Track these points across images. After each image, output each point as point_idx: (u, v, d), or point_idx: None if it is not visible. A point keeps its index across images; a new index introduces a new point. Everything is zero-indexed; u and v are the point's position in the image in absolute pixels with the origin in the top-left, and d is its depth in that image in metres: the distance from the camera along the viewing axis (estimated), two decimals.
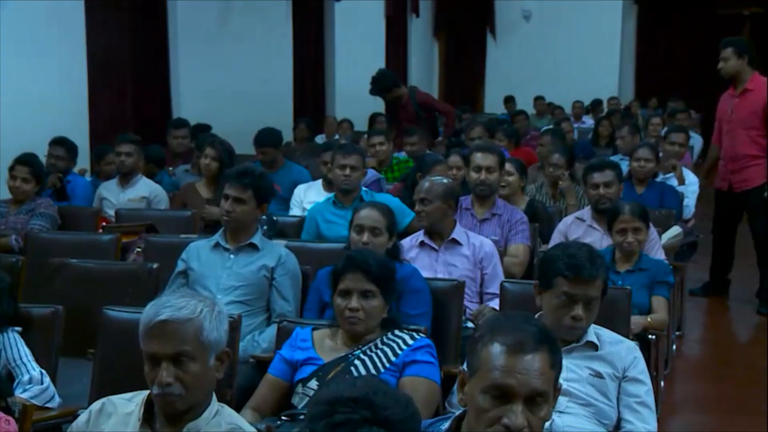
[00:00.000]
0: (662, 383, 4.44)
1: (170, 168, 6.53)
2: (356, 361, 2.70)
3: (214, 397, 2.10)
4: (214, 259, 3.64)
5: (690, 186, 6.28)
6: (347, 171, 4.69)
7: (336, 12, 10.90)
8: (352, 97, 10.94)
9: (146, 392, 2.07)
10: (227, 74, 8.60)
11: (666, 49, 14.85)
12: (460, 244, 4.02)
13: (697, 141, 9.16)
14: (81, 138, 6.47)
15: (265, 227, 4.31)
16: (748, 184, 5.90)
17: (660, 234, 4.59)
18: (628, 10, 14.51)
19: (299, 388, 2.70)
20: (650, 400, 2.61)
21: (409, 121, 7.69)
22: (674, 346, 5.23)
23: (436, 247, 4.04)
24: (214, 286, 3.56)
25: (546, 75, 13.86)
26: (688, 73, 14.45)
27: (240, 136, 7.07)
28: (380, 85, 7.94)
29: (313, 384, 2.67)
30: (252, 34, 9.01)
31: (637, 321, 3.69)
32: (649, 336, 3.78)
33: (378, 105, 9.01)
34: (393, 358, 2.69)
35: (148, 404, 2.06)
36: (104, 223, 5.12)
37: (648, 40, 14.85)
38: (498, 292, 3.65)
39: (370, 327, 2.74)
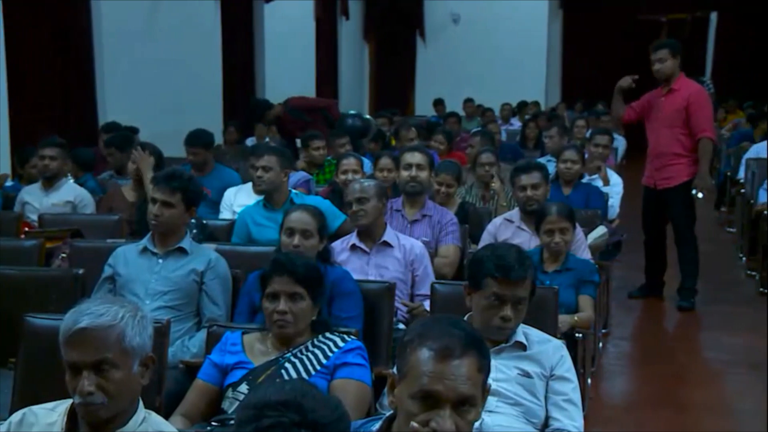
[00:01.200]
0: (589, 380, 4.53)
1: (110, 172, 6.39)
2: (287, 365, 2.68)
3: (141, 403, 2.06)
4: (141, 263, 3.58)
5: (614, 187, 6.42)
6: (259, 172, 4.69)
7: (265, 13, 10.83)
8: (283, 99, 10.90)
9: (69, 401, 2.02)
10: (155, 75, 8.46)
11: (590, 52, 15.20)
12: (391, 246, 4.04)
13: (620, 143, 9.38)
14: (1, 142, 6.29)
15: (194, 231, 4.25)
16: (671, 181, 5.98)
17: (586, 234, 4.68)
18: (554, 15, 14.79)
19: (229, 393, 2.68)
20: (577, 397, 2.66)
21: (301, 129, 7.77)
22: (601, 344, 5.34)
23: (367, 250, 4.05)
24: (142, 292, 3.50)
25: (475, 77, 14.02)
26: (612, 75, 14.80)
27: (168, 139, 6.96)
28: (255, 112, 8.12)
29: (244, 388, 2.65)
30: (180, 35, 8.89)
31: (564, 320, 3.75)
32: (576, 334, 3.85)
33: None
34: (324, 361, 2.69)
35: (72, 414, 2.01)
36: (27, 229, 4.98)
37: (573, 43, 15.17)
38: (429, 293, 3.68)
39: (299, 329, 2.74)
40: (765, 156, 7.66)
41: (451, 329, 1.79)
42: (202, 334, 3.29)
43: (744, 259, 7.47)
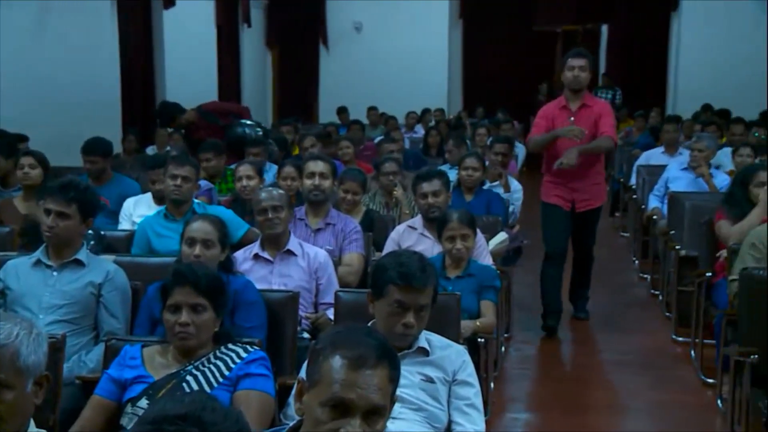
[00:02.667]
0: (492, 384, 4.62)
1: None
2: (188, 377, 2.64)
3: (32, 423, 1.98)
4: (35, 277, 3.46)
5: (515, 193, 6.56)
6: (179, 181, 4.59)
7: (165, 20, 10.62)
8: (185, 106, 10.70)
9: None
10: (47, 81, 8.16)
11: (490, 61, 15.54)
12: (295, 255, 4.03)
13: (521, 150, 9.60)
14: None
15: (91, 242, 4.14)
16: (593, 203, 5.73)
17: (487, 240, 4.77)
18: (454, 25, 15.03)
19: (128, 408, 2.61)
20: (478, 401, 2.71)
21: (216, 134, 7.68)
22: (503, 348, 5.45)
23: (271, 259, 4.03)
24: (35, 306, 3.38)
25: (379, 85, 14.11)
26: (511, 84, 15.18)
27: (62, 148, 6.74)
28: (165, 116, 7.98)
29: (143, 403, 2.59)
30: (74, 39, 8.61)
31: (466, 325, 3.80)
32: (479, 339, 3.91)
33: None
34: (226, 372, 2.65)
35: None
36: None
37: (473, 52, 15.46)
38: (333, 301, 3.68)
39: (201, 341, 2.69)
40: (654, 163, 7.98)
41: (366, 338, 1.80)
42: (100, 349, 3.21)
43: (637, 262, 7.74)
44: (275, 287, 3.87)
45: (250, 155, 6.87)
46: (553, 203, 5.73)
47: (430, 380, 2.66)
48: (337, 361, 1.75)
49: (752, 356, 3.68)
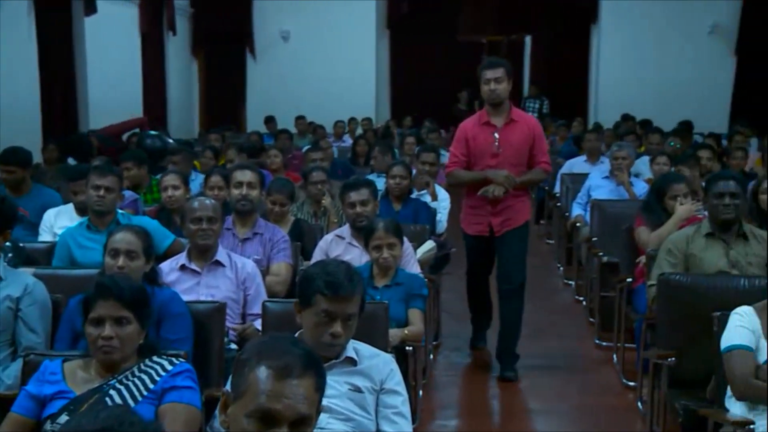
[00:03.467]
0: (420, 392, 4.65)
1: None
2: (111, 392, 2.58)
3: None
4: None
5: (442, 202, 6.62)
6: (102, 192, 4.49)
7: (87, 27, 10.40)
8: (108, 115, 10.50)
9: None
10: None
11: (417, 71, 15.67)
12: (222, 265, 4.00)
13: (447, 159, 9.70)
14: None
15: (9, 255, 4.03)
16: (513, 223, 5.12)
17: (415, 248, 4.81)
18: (381, 34, 15.12)
19: (48, 425, 2.54)
20: (406, 410, 2.72)
21: (117, 153, 7.70)
22: (432, 356, 5.49)
23: (199, 270, 3.98)
24: None
25: (307, 94, 14.09)
26: (437, 93, 15.35)
27: None
28: (79, 153, 7.98)
29: (63, 419, 2.52)
30: None
31: (394, 334, 3.83)
32: (407, 347, 3.94)
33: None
34: (151, 386, 2.60)
35: None
36: None
37: (401, 62, 15.58)
38: (261, 312, 3.66)
39: (125, 355, 2.64)
40: (577, 171, 8.16)
41: (291, 348, 1.80)
42: (18, 364, 3.12)
43: (561, 269, 7.90)
44: (203, 298, 3.82)
45: (170, 164, 6.80)
46: (472, 234, 5.20)
47: (357, 390, 2.67)
48: (262, 372, 1.74)
49: (669, 359, 3.79)
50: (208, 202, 4.12)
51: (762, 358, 3.13)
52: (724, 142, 9.68)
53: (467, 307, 5.95)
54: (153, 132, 8.40)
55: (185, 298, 3.50)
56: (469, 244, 5.32)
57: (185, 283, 3.92)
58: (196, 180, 6.70)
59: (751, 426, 3.00)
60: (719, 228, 4.34)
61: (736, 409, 3.15)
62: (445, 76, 15.68)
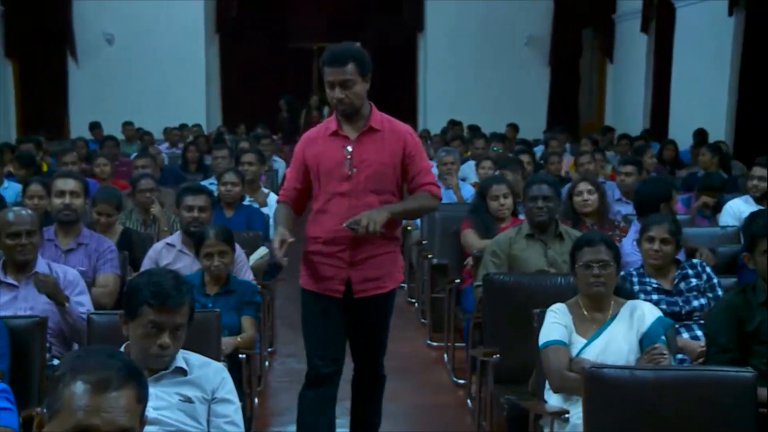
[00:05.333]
0: (256, 399, 4.62)
1: None
2: None
3: None
4: None
5: (272, 206, 6.61)
6: None
7: None
8: None
9: None
10: None
11: (248, 77, 15.51)
12: None
13: (281, 165, 9.69)
14: None
15: None
16: (382, 285, 3.60)
17: (248, 255, 4.77)
18: (211, 39, 14.88)
19: None
20: (239, 418, 2.70)
21: None
22: (267, 363, 5.46)
23: (16, 284, 3.79)
24: None
25: (134, 100, 13.66)
26: (270, 100, 15.28)
27: None
28: None
29: None
30: None
31: (227, 342, 3.78)
32: (240, 355, 3.90)
33: None
34: None
35: None
36: None
37: (232, 68, 15.38)
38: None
39: None
40: None
41: (108, 360, 1.75)
42: None
43: None
44: (21, 313, 3.63)
45: None
46: (314, 291, 3.63)
47: (188, 400, 2.62)
48: (78, 387, 1.69)
49: (494, 356, 3.97)
50: (24, 213, 3.89)
51: (575, 352, 3.33)
52: (539, 148, 10.19)
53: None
54: None
55: (3, 312, 3.32)
56: (309, 309, 3.69)
57: (1, 298, 3.71)
58: (10, 188, 6.35)
59: (567, 415, 3.18)
60: (537, 229, 4.59)
61: (553, 400, 3.33)
62: (277, 83, 15.63)
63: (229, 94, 15.36)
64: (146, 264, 4.52)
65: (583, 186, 5.32)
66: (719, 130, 10.20)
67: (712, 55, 10.63)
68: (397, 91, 15.39)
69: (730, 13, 10.14)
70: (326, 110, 13.49)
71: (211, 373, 2.70)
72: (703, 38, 10.90)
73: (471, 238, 5.23)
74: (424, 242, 6.43)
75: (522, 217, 5.07)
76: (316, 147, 3.61)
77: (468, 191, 7.08)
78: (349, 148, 3.54)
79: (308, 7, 15.60)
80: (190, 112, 13.69)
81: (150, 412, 1.84)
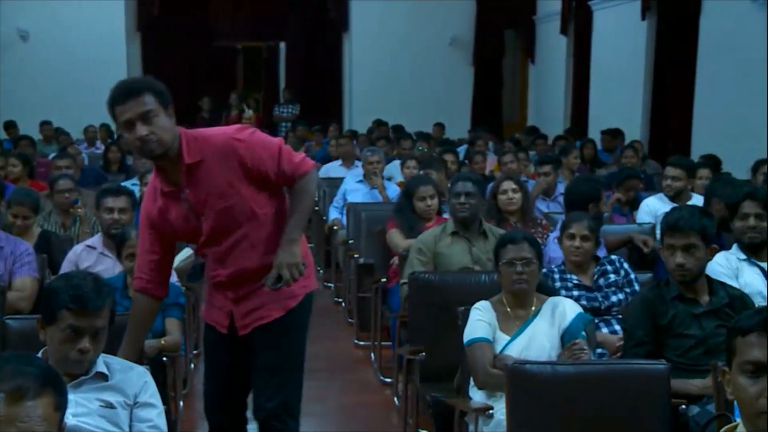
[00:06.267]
0: (181, 402, 4.56)
1: None
2: None
3: None
4: None
5: None
6: None
7: None
8: None
9: None
10: None
11: (172, 76, 15.17)
12: None
13: None
14: None
15: None
16: (265, 314, 3.11)
17: None
18: (132, 38, 14.58)
19: None
20: (162, 422, 2.66)
21: None
22: (192, 365, 5.39)
23: None
24: None
25: (53, 99, 13.29)
26: (194, 100, 15.05)
27: None
28: None
29: None
30: None
31: (151, 344, 3.73)
32: (164, 358, 3.85)
33: None
34: None
35: None
36: None
37: (154, 66, 15.04)
38: None
39: None
40: (334, 176, 8.37)
41: (24, 367, 1.70)
42: None
43: (321, 271, 8.05)
44: None
45: None
46: (209, 322, 3.27)
47: (109, 406, 2.57)
48: None
49: (420, 354, 4.00)
50: None
51: (499, 349, 3.39)
52: (462, 148, 10.30)
53: None
54: None
55: None
56: (205, 339, 3.37)
57: None
58: None
59: (491, 411, 3.23)
60: (461, 227, 4.65)
61: (478, 397, 3.38)
62: (202, 82, 15.41)
63: None
64: (66, 267, 4.42)
65: (507, 185, 5.40)
66: (635, 130, 10.49)
67: (628, 57, 10.93)
68: (323, 92, 15.39)
69: (643, 17, 10.44)
70: (249, 111, 13.39)
71: (133, 377, 2.66)
72: (619, 41, 11.20)
73: (396, 237, 5.26)
74: (350, 242, 6.43)
75: (446, 215, 5.13)
76: (158, 209, 3.05)
77: (393, 190, 7.11)
78: (186, 196, 2.98)
79: (231, 6, 15.42)
80: None
81: (69, 420, 1.80)
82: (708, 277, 3.49)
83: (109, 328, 2.64)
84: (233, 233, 3.03)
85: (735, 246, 4.14)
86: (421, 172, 6.55)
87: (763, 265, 4.03)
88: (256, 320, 3.10)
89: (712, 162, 7.17)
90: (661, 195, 5.98)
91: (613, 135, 10.33)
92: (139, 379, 2.66)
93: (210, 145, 2.97)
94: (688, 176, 5.89)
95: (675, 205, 5.28)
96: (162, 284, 3.16)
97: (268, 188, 3.04)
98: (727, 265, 3.99)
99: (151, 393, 2.66)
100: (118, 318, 2.76)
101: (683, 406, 3.09)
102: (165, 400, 2.83)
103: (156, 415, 2.64)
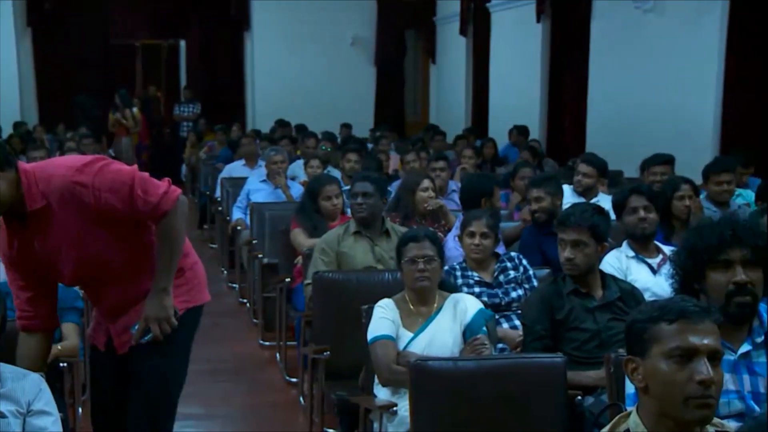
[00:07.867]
0: (80, 409, 4.43)
1: None
2: None
3: None
4: None
5: None
6: None
7: None
8: None
9: None
10: None
11: (67, 74, 14.67)
12: None
13: None
14: None
15: None
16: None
17: None
18: (22, 34, 14.02)
19: None
20: (56, 430, 2.59)
21: None
22: None
23: None
24: None
25: None
26: (92, 97, 14.59)
27: None
28: None
29: None
30: None
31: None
32: (61, 364, 3.74)
33: None
34: None
35: None
36: None
37: (48, 65, 14.51)
38: None
39: None
40: (237, 175, 8.29)
41: None
42: None
43: (225, 272, 7.97)
44: None
45: None
46: (92, 343, 3.17)
47: (1, 416, 2.49)
48: None
49: (325, 353, 4.01)
50: None
51: (402, 346, 3.43)
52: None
53: None
54: None
55: None
56: (90, 357, 3.29)
57: None
58: None
59: (395, 408, 3.27)
60: (362, 226, 4.69)
61: (382, 394, 3.41)
62: (99, 81, 14.92)
63: (47, 92, 14.52)
64: None
65: (428, 183, 5.46)
66: (534, 129, 10.75)
67: (524, 58, 11.19)
68: (225, 92, 15.17)
69: (538, 20, 10.72)
70: (135, 110, 13.09)
71: (27, 385, 2.58)
72: (516, 42, 11.46)
73: (300, 237, 5.25)
74: (254, 242, 6.39)
75: (349, 214, 5.15)
76: (14, 250, 2.82)
77: (297, 190, 7.10)
78: (36, 244, 2.76)
79: (128, 3, 15.03)
80: (5, 110, 12.86)
81: None
82: (602, 272, 3.62)
83: (1, 335, 2.56)
84: (100, 277, 2.85)
85: (625, 243, 4.28)
86: (326, 171, 6.54)
87: (651, 261, 4.19)
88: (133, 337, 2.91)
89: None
90: (572, 188, 6.02)
91: (521, 131, 10.55)
92: (33, 387, 2.58)
93: (51, 188, 2.66)
94: (599, 175, 5.97)
95: (583, 200, 5.43)
96: (51, 315, 2.94)
97: (130, 223, 2.79)
98: (617, 265, 4.13)
99: (45, 401, 2.58)
100: (10, 324, 2.67)
101: (579, 398, 3.18)
102: (61, 407, 2.75)
103: (51, 423, 2.57)
